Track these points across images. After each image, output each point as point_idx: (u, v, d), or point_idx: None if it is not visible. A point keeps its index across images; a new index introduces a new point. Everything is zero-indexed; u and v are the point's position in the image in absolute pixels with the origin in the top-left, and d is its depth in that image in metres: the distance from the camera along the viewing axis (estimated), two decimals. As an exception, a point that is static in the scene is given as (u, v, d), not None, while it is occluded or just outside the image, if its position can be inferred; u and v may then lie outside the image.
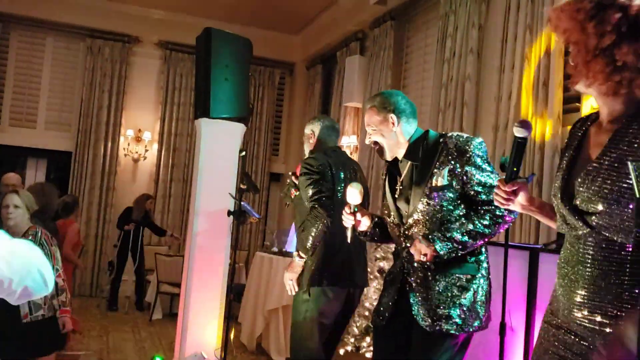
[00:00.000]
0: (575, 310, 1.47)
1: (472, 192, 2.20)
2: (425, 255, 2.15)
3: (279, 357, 5.14)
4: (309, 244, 2.95)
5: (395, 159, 2.45)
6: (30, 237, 3.16)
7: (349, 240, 2.46)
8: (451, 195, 2.21)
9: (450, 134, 2.30)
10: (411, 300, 2.25)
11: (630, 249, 1.37)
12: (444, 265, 2.21)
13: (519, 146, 1.60)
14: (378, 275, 4.63)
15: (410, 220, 2.30)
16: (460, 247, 2.16)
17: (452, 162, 2.21)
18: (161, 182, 8.30)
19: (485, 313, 2.23)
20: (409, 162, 2.38)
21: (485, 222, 2.17)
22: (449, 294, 2.20)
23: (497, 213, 2.16)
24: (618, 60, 1.39)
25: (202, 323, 3.69)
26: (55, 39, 8.09)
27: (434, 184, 2.23)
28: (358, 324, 4.81)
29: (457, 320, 2.17)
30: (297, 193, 3.19)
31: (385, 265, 4.59)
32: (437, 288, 2.21)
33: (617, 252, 1.39)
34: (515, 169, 1.61)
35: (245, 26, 7.99)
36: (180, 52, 8.31)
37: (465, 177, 2.19)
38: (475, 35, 4.91)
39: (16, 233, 3.15)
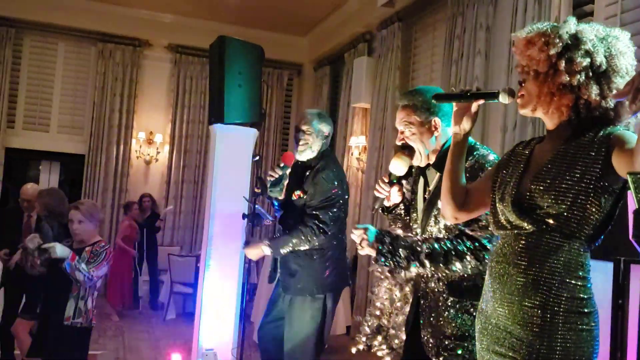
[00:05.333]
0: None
1: None
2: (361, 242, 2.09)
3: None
4: None
5: (425, 167, 2.30)
6: (96, 250, 3.30)
7: (373, 211, 2.42)
8: None
9: (477, 151, 2.14)
10: (421, 327, 2.17)
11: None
12: (458, 289, 2.10)
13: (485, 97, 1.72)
14: (389, 275, 4.70)
15: (426, 234, 2.22)
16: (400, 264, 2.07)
17: None
18: (173, 184, 8.41)
19: None
20: (437, 173, 2.21)
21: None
22: (458, 322, 2.08)
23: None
24: (582, 98, 1.56)
25: (218, 323, 3.78)
26: (67, 44, 8.21)
27: (439, 205, 2.07)
28: (369, 323, 4.89)
29: (464, 354, 2.06)
30: None
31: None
32: (447, 314, 2.10)
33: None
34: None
35: (253, 29, 8.09)
36: (190, 55, 8.41)
37: None
38: (482, 36, 4.97)
39: (83, 243, 3.35)
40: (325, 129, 3.26)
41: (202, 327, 3.72)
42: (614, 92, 1.55)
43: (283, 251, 3.11)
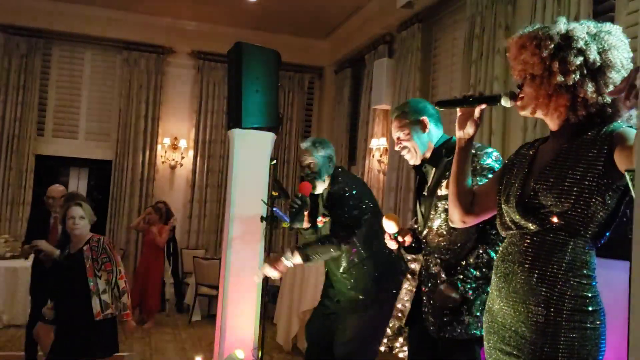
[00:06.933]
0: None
1: None
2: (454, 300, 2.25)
3: (315, 357, 5.26)
4: None
5: (422, 166, 2.53)
6: (93, 245, 3.46)
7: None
8: None
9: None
10: (423, 308, 2.37)
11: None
12: (452, 274, 2.29)
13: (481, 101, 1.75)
14: (409, 277, 4.71)
15: (426, 228, 2.39)
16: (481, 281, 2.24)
17: None
18: (197, 188, 8.53)
19: None
20: (434, 168, 2.46)
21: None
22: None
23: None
24: (579, 97, 1.57)
25: (240, 324, 3.84)
26: (93, 53, 8.41)
27: (439, 194, 2.31)
28: (391, 325, 4.90)
29: (461, 328, 2.25)
30: None
31: (417, 267, 4.66)
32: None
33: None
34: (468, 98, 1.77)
35: (274, 33, 8.17)
36: (212, 61, 8.52)
37: None
38: (502, 36, 4.94)
39: (79, 242, 3.50)
40: (326, 152, 3.30)
41: (223, 328, 3.78)
42: (611, 88, 1.55)
43: (312, 257, 3.12)
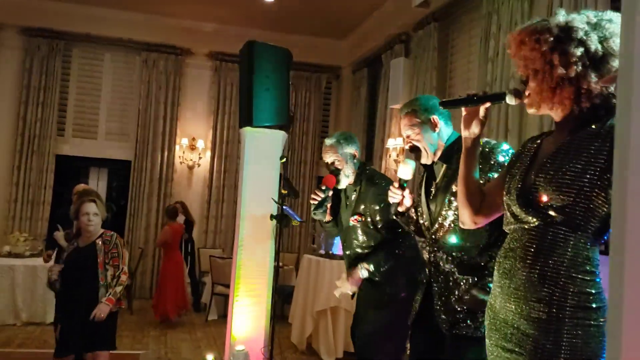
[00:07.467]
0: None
1: None
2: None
3: (329, 357, 5.25)
4: None
5: (431, 163, 2.49)
6: (106, 239, 3.51)
7: (392, 217, 2.51)
8: None
9: (480, 140, 2.33)
10: (435, 307, 2.31)
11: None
12: (466, 268, 2.26)
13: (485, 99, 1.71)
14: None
15: (436, 225, 2.35)
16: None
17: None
18: (214, 188, 8.59)
19: None
20: (444, 165, 2.42)
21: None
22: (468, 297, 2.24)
23: None
24: (583, 88, 1.53)
25: (250, 323, 3.84)
26: (112, 54, 8.52)
27: (454, 189, 2.26)
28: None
29: (475, 324, 2.22)
30: None
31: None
32: (458, 292, 2.26)
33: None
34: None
35: (291, 34, 8.18)
36: (230, 62, 8.56)
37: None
38: (518, 34, 4.88)
39: (91, 237, 3.54)
40: (351, 149, 3.26)
41: (234, 327, 3.78)
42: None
43: (383, 270, 3.12)
